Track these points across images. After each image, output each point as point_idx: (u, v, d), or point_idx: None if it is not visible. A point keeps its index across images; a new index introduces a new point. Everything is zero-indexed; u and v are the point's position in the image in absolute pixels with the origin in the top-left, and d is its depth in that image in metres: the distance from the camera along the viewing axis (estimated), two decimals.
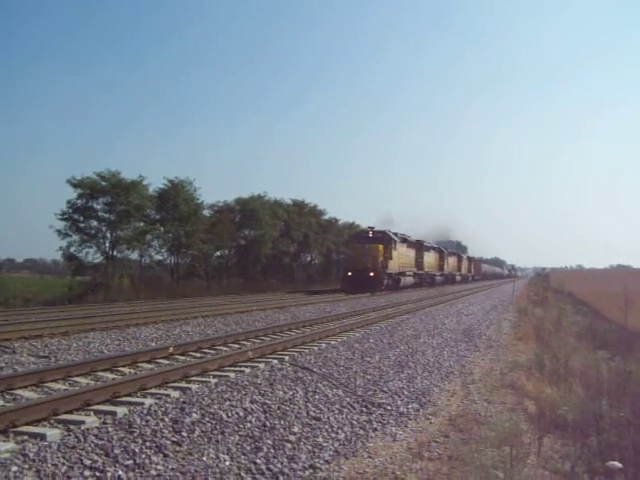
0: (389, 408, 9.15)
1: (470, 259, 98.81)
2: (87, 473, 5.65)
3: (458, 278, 79.72)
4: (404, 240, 49.08)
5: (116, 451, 6.24)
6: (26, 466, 5.65)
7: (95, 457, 6.04)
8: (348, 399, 9.37)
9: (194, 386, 9.20)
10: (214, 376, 10.10)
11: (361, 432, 7.91)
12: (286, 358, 11.98)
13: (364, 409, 8.97)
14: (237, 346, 13.75)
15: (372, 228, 45.05)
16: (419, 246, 55.77)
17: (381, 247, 41.93)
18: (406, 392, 10.25)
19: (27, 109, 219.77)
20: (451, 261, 76.00)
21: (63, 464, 5.78)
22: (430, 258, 61.03)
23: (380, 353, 13.49)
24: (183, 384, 9.39)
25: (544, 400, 9.74)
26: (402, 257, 47.19)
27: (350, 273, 40.55)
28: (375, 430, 8.07)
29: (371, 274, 39.86)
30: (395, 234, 46.75)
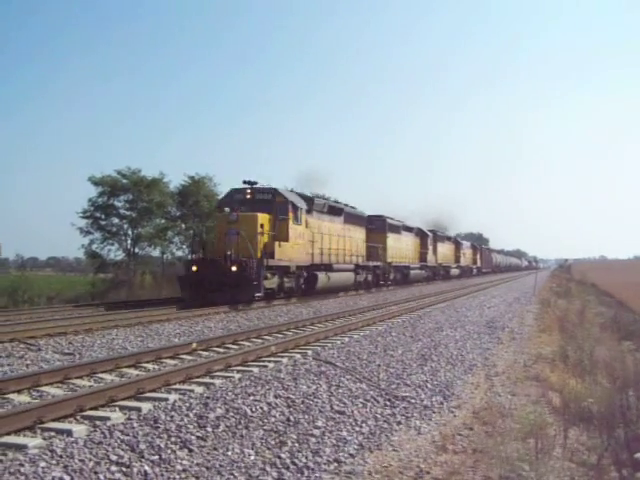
0: (413, 401, 9.12)
1: (475, 248, 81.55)
2: (114, 468, 5.70)
3: (455, 271, 63.85)
4: (331, 210, 30.44)
5: (142, 446, 6.28)
6: (54, 462, 5.71)
7: (121, 452, 6.08)
8: (372, 392, 9.36)
9: (218, 381, 9.24)
10: (238, 371, 10.14)
11: (385, 425, 7.90)
12: (309, 352, 12.00)
13: (388, 402, 8.95)
14: (260, 341, 13.79)
15: (253, 184, 24.88)
16: (380, 225, 39.41)
17: (263, 218, 23.20)
18: (429, 385, 10.22)
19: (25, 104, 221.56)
20: (443, 249, 58.59)
21: (90, 460, 5.83)
22: (398, 242, 42.53)
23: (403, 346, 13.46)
24: (207, 379, 9.44)
25: (569, 392, 9.66)
26: (335, 241, 29.86)
27: (195, 268, 22.16)
28: (399, 423, 8.05)
29: (233, 269, 21.33)
30: (309, 197, 28.22)
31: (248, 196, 24.41)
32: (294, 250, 24.81)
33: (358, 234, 34.59)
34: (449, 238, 65.26)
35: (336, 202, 33.62)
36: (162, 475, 5.69)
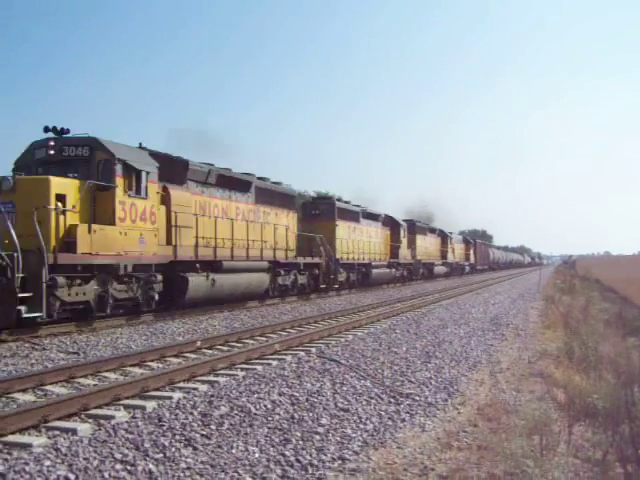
0: (417, 398, 9.12)
1: (469, 242, 70.89)
2: (118, 467, 5.71)
3: (440, 269, 53.11)
4: (225, 182, 21.41)
5: (146, 445, 6.29)
6: (59, 460, 5.72)
7: (126, 451, 6.09)
8: (376, 390, 9.35)
9: (222, 379, 9.25)
10: (242, 369, 10.14)
11: (389, 423, 7.89)
12: (313, 350, 12.00)
13: (392, 400, 8.95)
14: (264, 339, 13.79)
15: (62, 133, 15.77)
16: (327, 210, 31.00)
17: (63, 185, 14.43)
18: (434, 382, 10.21)
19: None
20: (423, 242, 48.37)
21: (95, 458, 5.84)
22: (355, 233, 33.56)
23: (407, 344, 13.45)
24: (211, 377, 9.44)
25: (573, 388, 9.65)
26: (233, 227, 20.95)
27: None
28: (403, 421, 8.05)
29: None
30: (178, 160, 19.31)
31: (52, 151, 15.43)
32: (128, 239, 15.69)
33: (283, 219, 25.20)
34: (433, 230, 54.62)
35: (247, 174, 23.15)
36: (167, 473, 5.69)
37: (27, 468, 5.45)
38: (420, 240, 46.85)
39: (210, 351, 12.11)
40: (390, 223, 40.73)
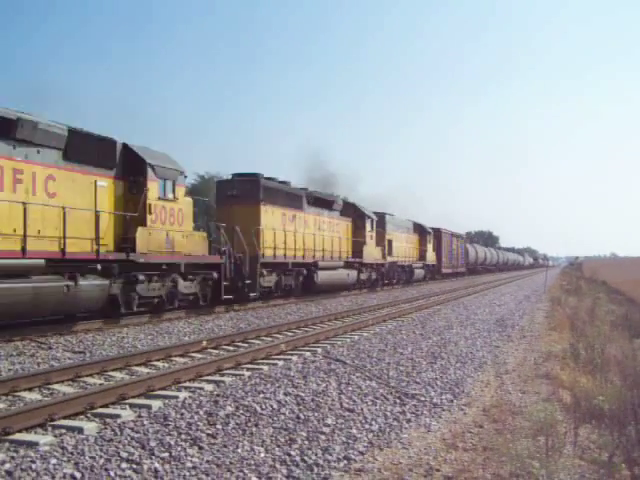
0: (422, 399, 9.11)
1: (424, 231, 47.28)
2: (124, 465, 5.72)
3: (341, 277, 29.02)
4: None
5: (152, 444, 6.31)
6: (65, 458, 5.74)
7: (131, 450, 6.11)
8: (381, 390, 9.35)
9: (228, 379, 9.26)
10: (247, 369, 10.15)
11: (395, 423, 7.89)
12: (319, 350, 12.00)
13: (397, 400, 8.94)
14: (270, 339, 13.80)
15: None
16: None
17: None
18: (439, 383, 10.19)
19: None
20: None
21: (100, 457, 5.86)
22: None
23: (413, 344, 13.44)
24: (217, 377, 9.46)
25: (579, 390, 9.61)
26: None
27: None
28: (409, 421, 8.04)
29: None
30: None
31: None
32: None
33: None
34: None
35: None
36: (172, 472, 5.70)
37: (34, 466, 5.48)
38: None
39: (216, 351, 12.13)
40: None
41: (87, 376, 9.48)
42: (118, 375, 9.76)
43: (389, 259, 36.58)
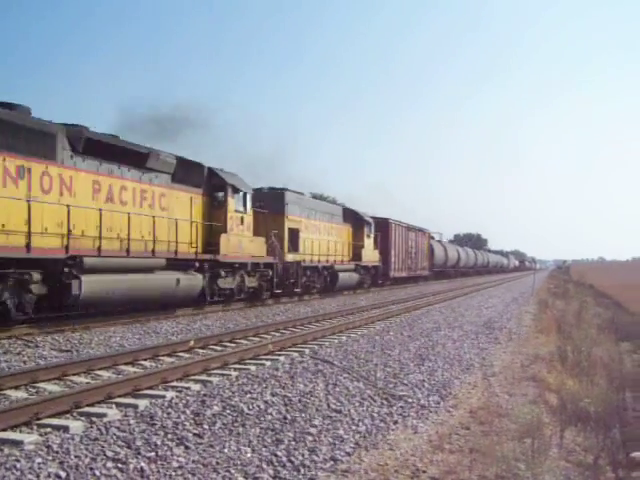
0: (410, 401, 9.12)
1: (364, 222, 35.08)
2: (110, 464, 5.70)
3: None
4: None
5: (138, 443, 6.28)
6: (50, 457, 5.70)
7: (117, 449, 6.08)
8: (369, 392, 9.36)
9: (215, 379, 9.24)
10: (235, 369, 10.14)
11: (382, 424, 7.89)
12: (306, 351, 12.00)
13: (385, 402, 8.95)
14: (258, 339, 13.78)
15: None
16: None
17: None
18: (427, 385, 10.21)
19: None
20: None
21: (86, 456, 5.83)
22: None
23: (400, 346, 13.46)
24: (204, 377, 9.44)
25: (566, 392, 9.67)
26: None
27: None
28: (396, 422, 8.05)
29: None
30: None
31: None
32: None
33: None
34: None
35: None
36: (158, 472, 5.68)
37: (18, 465, 5.44)
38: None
39: (203, 351, 12.11)
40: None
41: (74, 375, 9.42)
42: (105, 374, 9.71)
43: (290, 257, 25.87)
